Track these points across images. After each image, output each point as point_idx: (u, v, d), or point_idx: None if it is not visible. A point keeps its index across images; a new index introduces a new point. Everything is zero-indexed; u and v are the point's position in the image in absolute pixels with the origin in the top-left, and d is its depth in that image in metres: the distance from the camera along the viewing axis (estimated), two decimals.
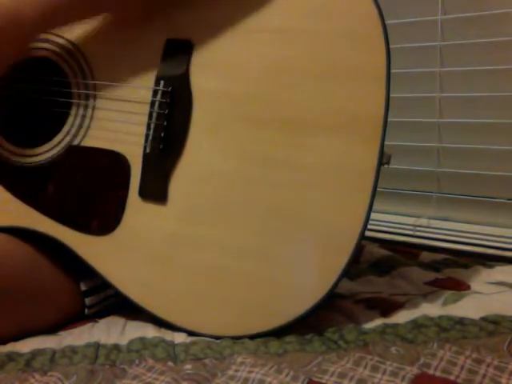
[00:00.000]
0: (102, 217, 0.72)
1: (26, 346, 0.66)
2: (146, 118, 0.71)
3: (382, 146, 0.64)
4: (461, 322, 0.64)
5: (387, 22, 0.64)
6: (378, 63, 0.64)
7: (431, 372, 0.53)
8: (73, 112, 0.74)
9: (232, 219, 0.67)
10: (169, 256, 0.69)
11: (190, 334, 0.68)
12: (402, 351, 0.58)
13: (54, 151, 0.74)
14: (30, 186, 0.74)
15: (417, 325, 0.65)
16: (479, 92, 1.01)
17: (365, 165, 0.64)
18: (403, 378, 0.52)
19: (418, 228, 1.07)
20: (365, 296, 0.77)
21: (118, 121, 0.73)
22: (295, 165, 0.66)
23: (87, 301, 0.75)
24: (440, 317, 0.66)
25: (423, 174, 1.08)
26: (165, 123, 0.70)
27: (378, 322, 0.67)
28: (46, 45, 0.76)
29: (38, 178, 0.74)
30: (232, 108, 0.68)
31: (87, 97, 0.74)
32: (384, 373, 0.54)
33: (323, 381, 0.54)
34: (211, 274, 0.68)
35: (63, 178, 0.74)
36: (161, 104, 0.70)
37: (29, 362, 0.62)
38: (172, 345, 0.65)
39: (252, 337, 0.65)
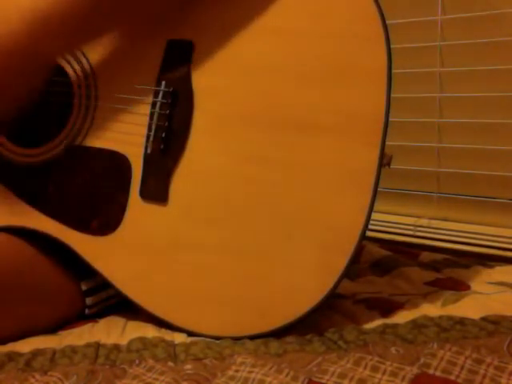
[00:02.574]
0: (103, 217, 0.72)
1: (26, 345, 0.66)
2: (147, 119, 0.71)
3: (383, 146, 0.64)
4: (461, 322, 0.64)
5: (387, 21, 0.64)
6: (379, 63, 0.64)
7: (431, 372, 0.53)
8: (74, 112, 0.74)
9: (232, 219, 0.67)
10: (169, 256, 0.69)
11: (190, 334, 0.68)
12: (402, 351, 0.58)
13: (56, 151, 0.74)
14: (31, 186, 0.74)
15: (417, 325, 0.65)
16: (479, 92, 1.01)
17: (365, 165, 0.64)
18: (403, 378, 0.52)
19: (419, 228, 1.07)
20: (365, 296, 0.77)
21: (119, 121, 0.73)
22: (296, 165, 0.66)
23: (88, 301, 0.75)
24: (440, 317, 0.66)
25: (423, 173, 1.08)
26: (166, 124, 0.70)
27: (378, 322, 0.67)
28: None
29: (40, 177, 0.74)
30: (233, 108, 0.68)
31: (89, 97, 0.74)
32: (384, 373, 0.54)
33: (323, 381, 0.53)
34: (211, 274, 0.68)
35: (64, 177, 0.74)
36: (162, 104, 0.70)
37: (29, 362, 0.62)
38: (172, 345, 0.65)
39: (252, 337, 0.65)
